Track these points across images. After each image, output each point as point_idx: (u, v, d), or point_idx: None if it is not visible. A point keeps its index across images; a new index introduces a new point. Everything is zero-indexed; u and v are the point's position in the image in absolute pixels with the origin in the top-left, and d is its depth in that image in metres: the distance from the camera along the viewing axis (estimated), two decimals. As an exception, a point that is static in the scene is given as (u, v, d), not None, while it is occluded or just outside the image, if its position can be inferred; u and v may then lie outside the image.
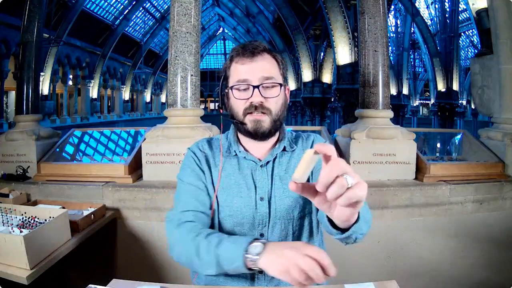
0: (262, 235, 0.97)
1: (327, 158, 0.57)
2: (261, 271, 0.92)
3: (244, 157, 1.00)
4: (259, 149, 1.00)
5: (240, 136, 1.02)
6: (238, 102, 0.95)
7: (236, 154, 1.01)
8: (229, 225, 0.98)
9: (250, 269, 0.75)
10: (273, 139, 1.00)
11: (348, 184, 0.56)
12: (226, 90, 0.98)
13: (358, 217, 0.71)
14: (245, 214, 0.97)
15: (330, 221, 0.75)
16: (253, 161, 1.00)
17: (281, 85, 0.96)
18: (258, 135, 0.95)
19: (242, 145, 1.02)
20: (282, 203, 0.97)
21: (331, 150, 0.57)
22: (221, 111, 1.02)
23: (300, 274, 0.65)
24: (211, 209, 0.98)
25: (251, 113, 0.94)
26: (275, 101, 0.95)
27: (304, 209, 0.98)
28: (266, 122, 0.94)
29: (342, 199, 0.56)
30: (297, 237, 0.99)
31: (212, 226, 0.99)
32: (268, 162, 0.99)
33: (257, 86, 0.92)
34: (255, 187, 0.98)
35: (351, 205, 0.59)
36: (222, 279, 0.99)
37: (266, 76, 0.93)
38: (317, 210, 0.94)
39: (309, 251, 0.67)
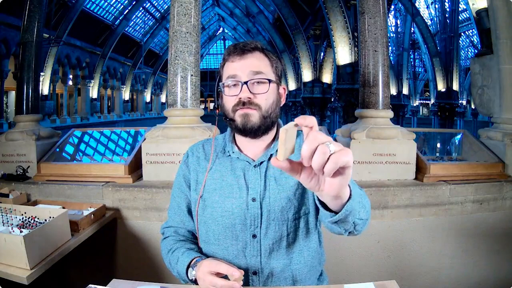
0: (254, 236, 0.96)
1: (308, 131, 0.57)
2: (255, 272, 0.95)
3: (237, 157, 1.00)
4: (254, 148, 1.00)
5: (236, 135, 1.02)
6: (228, 99, 0.95)
7: (229, 155, 1.01)
8: (221, 226, 0.98)
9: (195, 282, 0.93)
10: (268, 138, 1.00)
11: (331, 151, 0.54)
12: (219, 89, 0.99)
13: (351, 195, 0.68)
14: (236, 215, 0.96)
15: (323, 205, 0.72)
16: (246, 161, 0.99)
17: (270, 81, 0.95)
18: (247, 130, 0.94)
19: (237, 145, 1.01)
20: (276, 204, 0.96)
21: (311, 122, 0.57)
22: (217, 111, 1.02)
23: None
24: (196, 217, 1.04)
25: (239, 109, 0.93)
26: (265, 97, 0.94)
27: (299, 211, 0.97)
28: (254, 116, 0.93)
29: (329, 165, 0.54)
30: (292, 238, 0.98)
31: (204, 228, 1.01)
32: (262, 163, 0.99)
33: (246, 82, 0.92)
34: (247, 187, 0.97)
35: (339, 172, 0.57)
36: None
37: (255, 71, 0.93)
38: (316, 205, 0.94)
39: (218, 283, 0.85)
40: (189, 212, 1.07)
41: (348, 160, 0.55)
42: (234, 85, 0.94)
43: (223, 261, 0.92)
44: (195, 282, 0.93)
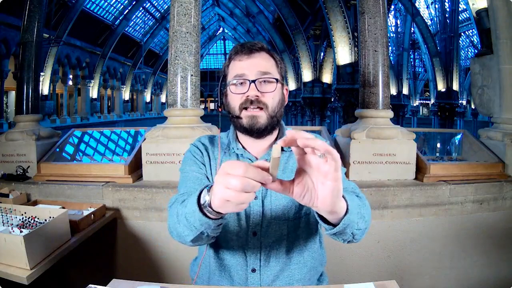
0: (255, 234, 0.97)
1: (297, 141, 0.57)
2: (254, 270, 0.94)
3: (242, 154, 1.00)
4: (257, 147, 1.00)
5: (239, 133, 1.02)
6: (234, 97, 0.96)
7: (234, 151, 1.01)
8: (224, 219, 0.98)
9: (209, 217, 0.71)
10: (271, 137, 1.00)
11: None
12: (224, 88, 0.99)
13: (348, 209, 0.70)
14: (238, 211, 0.97)
15: (322, 217, 0.73)
16: (249, 159, 0.99)
17: (277, 80, 0.96)
18: (254, 131, 0.95)
19: (241, 143, 1.02)
20: (278, 203, 0.96)
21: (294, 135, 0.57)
22: (219, 109, 1.03)
23: (236, 194, 0.58)
24: None
25: (247, 108, 0.94)
26: (272, 96, 0.95)
27: (300, 211, 0.98)
28: (262, 117, 0.94)
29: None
30: (293, 238, 0.98)
31: None
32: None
33: (254, 81, 0.93)
34: None
35: (322, 182, 0.59)
36: (217, 277, 0.99)
37: (262, 71, 0.94)
38: None
39: (234, 170, 0.58)
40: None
41: (337, 163, 0.57)
42: (241, 83, 0.95)
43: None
44: (209, 205, 0.70)
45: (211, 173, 1.01)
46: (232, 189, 0.58)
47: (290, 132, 0.57)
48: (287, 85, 1.05)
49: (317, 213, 0.72)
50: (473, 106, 17.95)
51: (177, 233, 0.85)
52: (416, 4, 14.31)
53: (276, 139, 1.01)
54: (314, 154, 0.59)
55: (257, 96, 0.93)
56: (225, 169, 0.59)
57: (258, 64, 0.95)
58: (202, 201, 0.71)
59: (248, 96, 0.93)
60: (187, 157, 1.05)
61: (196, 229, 0.77)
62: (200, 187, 0.88)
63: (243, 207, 0.62)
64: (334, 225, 0.72)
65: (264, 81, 0.95)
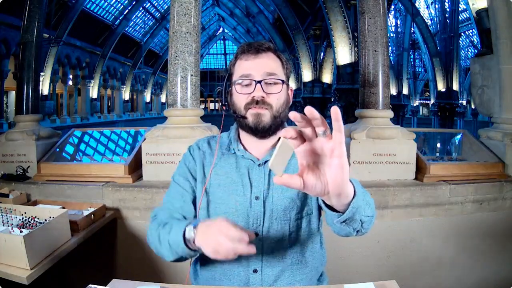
0: (256, 234, 0.96)
1: (307, 121, 0.58)
2: (255, 271, 0.94)
3: (242, 155, 1.00)
4: (259, 148, 1.00)
5: (242, 134, 1.02)
6: (240, 97, 0.96)
7: (234, 152, 1.01)
8: None
9: (193, 250, 0.84)
10: (274, 138, 1.00)
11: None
12: (230, 88, 1.00)
13: (355, 192, 0.70)
14: (239, 213, 0.97)
15: (329, 207, 0.73)
16: (250, 159, 0.99)
17: (283, 82, 0.97)
18: (259, 129, 0.95)
19: (242, 144, 1.02)
20: (280, 203, 0.97)
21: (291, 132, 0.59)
22: (223, 107, 1.03)
23: (227, 251, 0.76)
24: (196, 209, 1.01)
25: (252, 108, 0.94)
26: (277, 97, 0.96)
27: (302, 211, 0.98)
28: (266, 116, 0.94)
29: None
30: (294, 238, 0.99)
31: None
32: (266, 162, 0.99)
33: (260, 81, 0.93)
34: (251, 186, 0.98)
35: (328, 164, 0.60)
36: (218, 277, 0.99)
37: (269, 72, 0.95)
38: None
39: (230, 232, 0.76)
40: (191, 201, 1.02)
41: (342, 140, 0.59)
42: (247, 84, 0.95)
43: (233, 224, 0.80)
44: (193, 241, 0.83)
45: (204, 176, 1.02)
46: (222, 251, 0.76)
47: (291, 113, 0.59)
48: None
49: (324, 202, 0.72)
50: (473, 106, 17.95)
51: (156, 250, 0.95)
52: (416, 4, 14.32)
53: (278, 140, 1.01)
54: (314, 136, 0.59)
55: (262, 97, 0.94)
56: (219, 228, 0.78)
57: (265, 65, 0.95)
58: (187, 236, 0.83)
59: (254, 96, 0.94)
60: (180, 164, 1.07)
61: (177, 254, 0.88)
62: (181, 205, 1.00)
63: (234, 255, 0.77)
64: (343, 213, 0.72)
65: (271, 83, 0.95)
